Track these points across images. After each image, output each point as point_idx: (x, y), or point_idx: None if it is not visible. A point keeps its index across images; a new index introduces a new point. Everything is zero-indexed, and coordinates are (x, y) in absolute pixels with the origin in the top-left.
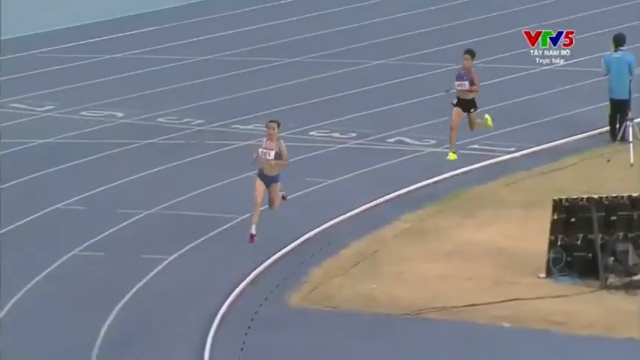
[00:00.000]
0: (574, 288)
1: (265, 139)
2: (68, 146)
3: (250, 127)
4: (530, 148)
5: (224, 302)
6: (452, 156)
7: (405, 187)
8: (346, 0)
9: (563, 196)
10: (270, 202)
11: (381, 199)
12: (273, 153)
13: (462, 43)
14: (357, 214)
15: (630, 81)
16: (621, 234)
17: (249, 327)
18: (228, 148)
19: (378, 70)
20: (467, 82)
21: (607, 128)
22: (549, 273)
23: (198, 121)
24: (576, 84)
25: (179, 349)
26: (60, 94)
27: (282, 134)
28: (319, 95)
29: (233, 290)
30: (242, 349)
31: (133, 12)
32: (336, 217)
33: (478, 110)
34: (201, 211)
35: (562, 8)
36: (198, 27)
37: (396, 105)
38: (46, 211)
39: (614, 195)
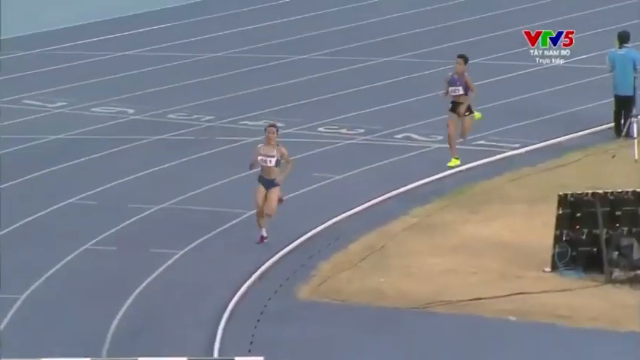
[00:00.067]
0: (579, 282)
1: (264, 143)
2: (80, 142)
3: (260, 123)
4: (535, 144)
5: (233, 296)
6: (454, 162)
7: (412, 182)
8: None
9: (568, 192)
10: (265, 207)
11: (389, 195)
12: (274, 160)
13: (471, 40)
14: (364, 209)
15: (635, 78)
16: (626, 229)
17: (258, 320)
18: (238, 144)
19: (385, 67)
20: (460, 88)
21: (612, 124)
22: (554, 267)
23: (207, 118)
24: (580, 81)
25: (189, 342)
26: (72, 90)
27: (290, 130)
28: (327, 92)
29: (242, 284)
30: (251, 342)
31: (145, 9)
32: (344, 212)
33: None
34: (211, 207)
35: (559, 8)
36: (210, 24)
37: (403, 102)
38: (58, 205)
39: (618, 190)
